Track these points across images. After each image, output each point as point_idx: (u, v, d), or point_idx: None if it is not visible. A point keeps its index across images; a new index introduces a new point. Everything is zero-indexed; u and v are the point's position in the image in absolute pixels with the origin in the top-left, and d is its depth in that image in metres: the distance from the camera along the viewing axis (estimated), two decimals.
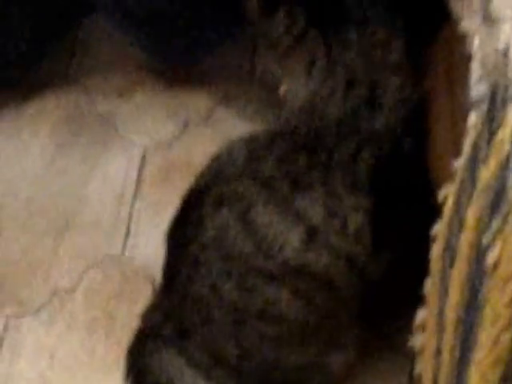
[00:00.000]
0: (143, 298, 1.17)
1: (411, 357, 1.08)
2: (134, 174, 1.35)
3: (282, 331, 1.10)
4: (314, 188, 1.06)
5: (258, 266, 1.07)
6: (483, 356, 0.77)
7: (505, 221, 0.74)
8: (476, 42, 0.95)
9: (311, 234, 1.05)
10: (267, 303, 1.07)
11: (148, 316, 1.17)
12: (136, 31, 1.40)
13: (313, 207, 1.05)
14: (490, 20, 0.92)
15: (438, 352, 0.98)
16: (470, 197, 0.86)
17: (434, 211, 1.00)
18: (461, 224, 0.89)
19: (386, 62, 1.10)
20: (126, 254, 1.27)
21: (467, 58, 0.95)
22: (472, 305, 0.84)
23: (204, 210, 1.09)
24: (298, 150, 1.07)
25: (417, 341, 1.06)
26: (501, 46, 0.87)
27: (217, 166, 1.13)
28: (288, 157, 1.07)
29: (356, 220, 1.06)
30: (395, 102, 1.10)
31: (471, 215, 0.84)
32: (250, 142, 1.13)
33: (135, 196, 1.33)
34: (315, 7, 1.12)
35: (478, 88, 0.92)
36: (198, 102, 1.41)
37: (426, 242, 1.00)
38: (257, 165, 1.09)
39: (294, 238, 1.05)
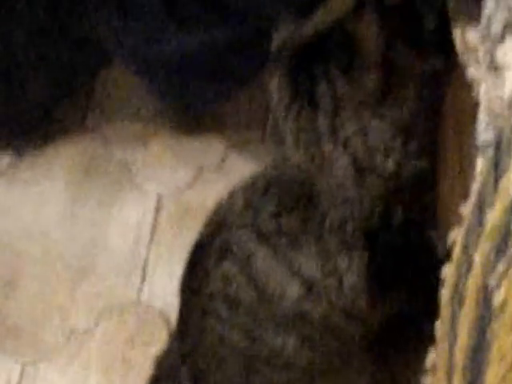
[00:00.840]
0: (158, 342, 1.20)
1: None
2: (149, 220, 1.37)
3: (290, 377, 1.12)
4: (308, 246, 1.09)
5: (262, 314, 1.10)
6: None
7: (510, 263, 0.75)
8: (482, 89, 0.96)
9: (308, 288, 1.08)
10: (274, 350, 1.10)
11: (163, 360, 1.19)
12: (152, 80, 1.42)
13: (308, 264, 1.09)
14: (495, 68, 0.94)
15: None
16: (478, 240, 0.86)
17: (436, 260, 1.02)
18: (469, 266, 0.89)
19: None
20: (142, 298, 1.29)
21: (474, 106, 0.98)
22: (480, 346, 0.84)
23: (209, 261, 1.12)
24: (292, 206, 1.10)
25: (428, 382, 1.06)
26: (506, 93, 0.90)
27: (218, 216, 1.17)
28: (283, 212, 1.10)
29: (351, 279, 1.08)
30: (386, 176, 1.11)
31: (478, 258, 0.85)
32: (247, 189, 1.16)
33: (151, 241, 1.35)
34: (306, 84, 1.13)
35: (484, 135, 0.95)
36: (211, 148, 1.44)
37: (435, 287, 0.99)
38: (254, 215, 1.12)
39: (292, 289, 1.08)
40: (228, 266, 1.12)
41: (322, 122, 1.09)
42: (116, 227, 1.37)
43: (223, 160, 1.43)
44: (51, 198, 1.42)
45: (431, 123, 1.13)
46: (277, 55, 1.12)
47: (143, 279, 1.31)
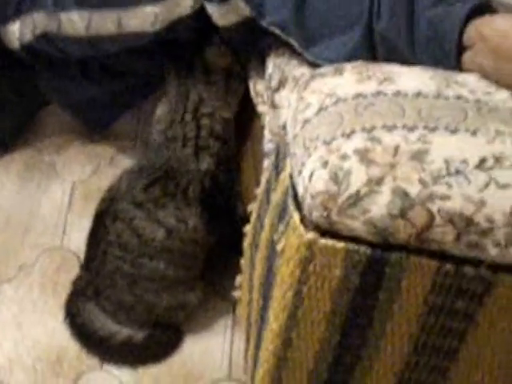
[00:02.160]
0: (74, 271, 1.46)
1: (234, 303, 1.39)
2: (67, 197, 1.65)
3: (160, 286, 1.37)
4: (167, 206, 1.35)
5: (141, 251, 1.35)
6: (276, 304, 0.97)
7: (287, 225, 0.93)
8: (267, 118, 1.19)
9: (168, 232, 1.35)
10: (150, 270, 1.36)
11: (77, 283, 1.45)
12: (73, 111, 1.65)
13: (167, 217, 1.35)
14: (274, 106, 1.16)
15: (250, 301, 1.19)
16: (266, 211, 1.06)
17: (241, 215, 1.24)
18: (261, 227, 1.09)
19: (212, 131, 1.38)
20: (64, 244, 1.56)
21: (262, 128, 1.20)
22: (269, 273, 1.03)
23: (107, 221, 1.36)
24: (155, 182, 1.36)
25: (237, 294, 1.31)
26: (281, 122, 1.10)
27: (111, 192, 1.40)
28: (150, 187, 1.35)
29: (192, 223, 1.36)
30: (214, 154, 1.38)
31: (267, 222, 1.05)
32: (128, 173, 1.40)
33: (68, 210, 1.62)
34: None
35: (268, 146, 1.17)
36: (105, 151, 1.74)
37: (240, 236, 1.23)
38: (132, 190, 1.36)
39: (158, 234, 1.34)
40: (119, 225, 1.35)
41: (189, 114, 1.35)
42: (47, 202, 1.63)
43: (112, 158, 1.72)
44: (7, 185, 1.68)
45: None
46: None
47: (64, 233, 1.57)
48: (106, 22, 1.37)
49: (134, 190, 1.36)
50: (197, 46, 1.45)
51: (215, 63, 1.38)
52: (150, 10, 1.32)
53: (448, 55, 1.01)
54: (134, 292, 1.37)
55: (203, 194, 1.36)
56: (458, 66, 1.01)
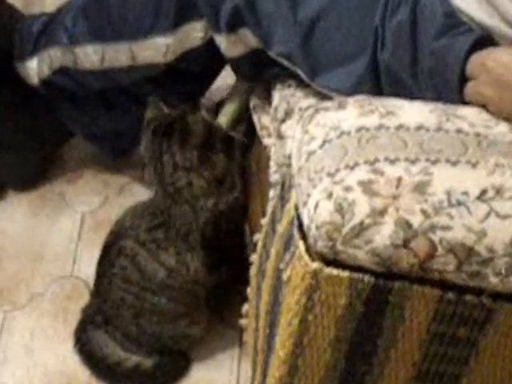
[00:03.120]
0: (84, 299, 1.48)
1: (241, 331, 1.40)
2: (77, 227, 1.66)
3: (162, 318, 1.39)
4: (168, 248, 1.36)
5: (144, 286, 1.36)
6: (282, 331, 0.98)
7: (292, 255, 0.95)
8: (273, 150, 1.20)
9: (169, 272, 1.36)
10: (153, 304, 1.37)
11: (86, 310, 1.47)
12: (98, 140, 1.65)
13: (168, 259, 1.36)
14: (280, 137, 1.17)
15: (257, 329, 1.19)
16: (272, 240, 1.07)
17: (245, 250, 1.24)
18: (267, 256, 1.10)
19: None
20: (74, 273, 1.58)
21: (268, 159, 1.21)
22: (275, 302, 1.04)
23: (112, 255, 1.37)
24: (158, 225, 1.36)
25: (244, 322, 1.32)
26: (287, 152, 1.11)
27: (116, 227, 1.41)
28: (152, 229, 1.36)
29: (193, 266, 1.37)
30: (211, 209, 1.36)
31: (273, 251, 1.06)
32: (132, 212, 1.41)
33: (78, 240, 1.64)
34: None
35: (274, 177, 1.18)
36: (114, 183, 1.76)
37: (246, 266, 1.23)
38: (136, 229, 1.37)
39: (160, 273, 1.36)
40: (123, 260, 1.36)
41: (167, 177, 1.33)
42: (57, 232, 1.66)
43: (121, 188, 1.74)
44: (18, 215, 1.70)
45: (241, 170, 1.38)
46: (145, 127, 1.35)
47: (74, 262, 1.59)
48: (119, 55, 1.40)
49: (138, 228, 1.38)
50: (201, 83, 1.48)
51: (195, 130, 1.36)
52: (161, 41, 1.35)
53: (451, 86, 1.03)
54: (138, 323, 1.39)
55: (204, 242, 1.37)
56: (460, 96, 1.03)
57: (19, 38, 1.55)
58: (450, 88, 1.04)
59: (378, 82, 1.13)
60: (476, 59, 1.01)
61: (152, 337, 1.42)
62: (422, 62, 1.08)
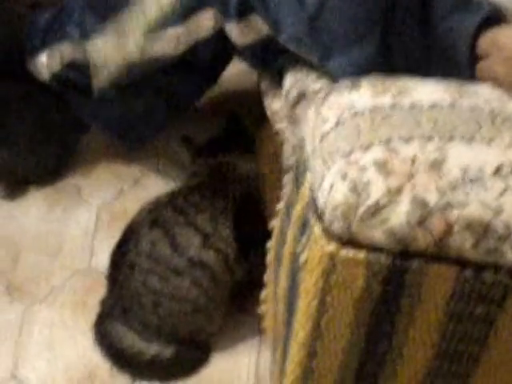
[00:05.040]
0: (102, 291, 1.47)
1: (259, 319, 1.37)
2: (93, 220, 1.68)
3: (184, 307, 1.37)
4: (204, 212, 1.36)
5: (171, 264, 1.33)
6: (301, 315, 0.98)
7: (308, 238, 0.94)
8: (285, 134, 1.21)
9: (205, 238, 1.35)
10: (174, 287, 1.35)
11: (105, 301, 1.46)
12: (111, 132, 1.65)
13: (204, 223, 1.36)
14: (293, 121, 1.17)
15: (276, 314, 1.20)
16: (288, 225, 1.06)
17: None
18: (284, 241, 1.09)
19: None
20: (92, 265, 1.59)
21: (281, 145, 1.22)
22: (293, 286, 1.04)
23: (142, 231, 1.35)
24: (194, 189, 1.40)
25: (263, 308, 1.31)
26: (300, 136, 1.09)
27: (149, 206, 1.40)
28: (189, 195, 1.39)
29: (227, 233, 1.37)
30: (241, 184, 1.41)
31: (289, 235, 1.05)
32: (150, 205, 1.41)
33: (94, 233, 1.65)
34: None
35: (288, 161, 1.19)
36: (128, 175, 1.77)
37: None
38: (174, 201, 1.38)
39: (195, 240, 1.34)
40: (156, 233, 1.34)
41: None
42: (74, 224, 1.67)
43: (136, 182, 1.75)
44: (34, 209, 1.72)
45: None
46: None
47: (91, 254, 1.61)
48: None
49: (176, 199, 1.40)
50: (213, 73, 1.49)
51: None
52: (171, 32, 1.35)
53: (462, 63, 1.04)
54: (158, 313, 1.38)
55: (235, 207, 1.40)
56: (471, 74, 1.03)
57: (27, 35, 1.56)
58: (461, 65, 1.04)
59: (390, 61, 1.13)
60: (487, 37, 1.01)
61: (171, 327, 1.41)
62: (433, 39, 1.08)
